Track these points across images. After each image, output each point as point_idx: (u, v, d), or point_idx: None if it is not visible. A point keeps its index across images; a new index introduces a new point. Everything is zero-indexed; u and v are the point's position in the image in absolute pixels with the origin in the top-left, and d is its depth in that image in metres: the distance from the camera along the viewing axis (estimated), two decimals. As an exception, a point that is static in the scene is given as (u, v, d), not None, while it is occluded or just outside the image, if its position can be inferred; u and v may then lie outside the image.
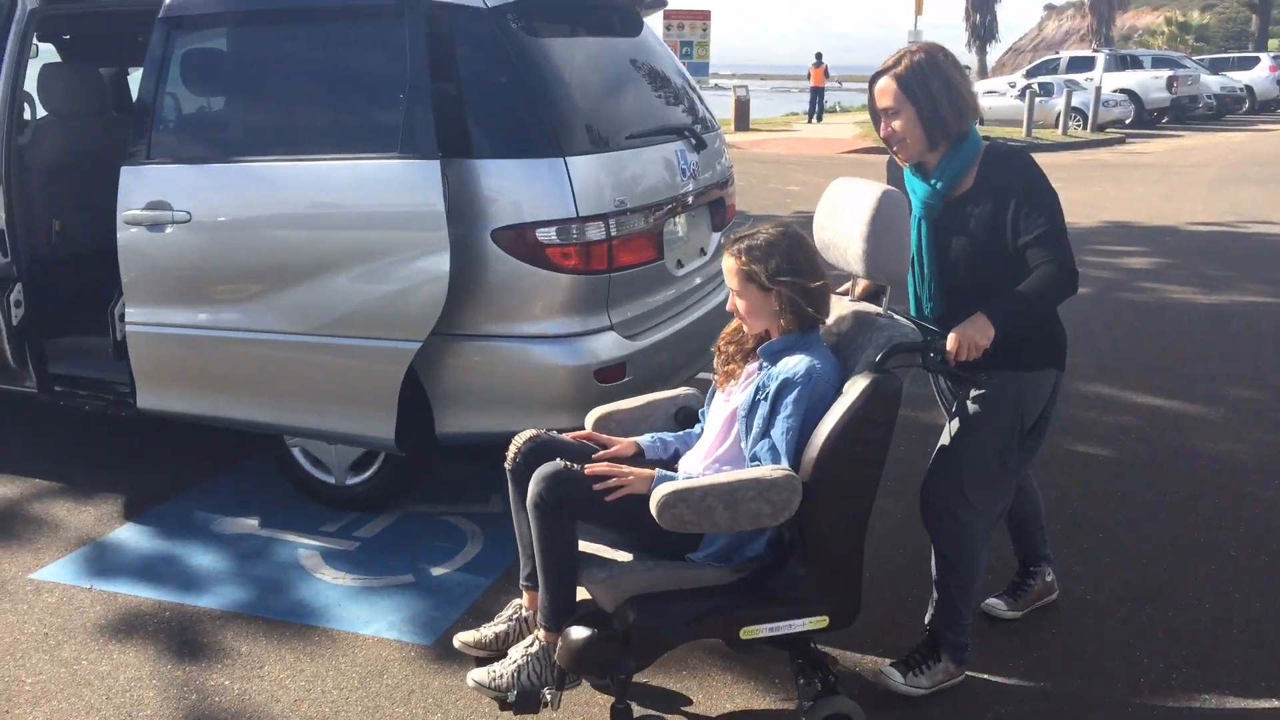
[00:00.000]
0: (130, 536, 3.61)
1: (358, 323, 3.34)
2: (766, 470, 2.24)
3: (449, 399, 3.44)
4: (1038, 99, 20.84)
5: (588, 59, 3.77)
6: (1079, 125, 21.47)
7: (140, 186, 3.59)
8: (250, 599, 3.20)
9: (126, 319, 3.69)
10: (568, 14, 3.80)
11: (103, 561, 3.43)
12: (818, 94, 28.54)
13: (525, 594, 2.63)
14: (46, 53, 4.95)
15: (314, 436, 3.69)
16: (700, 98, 4.42)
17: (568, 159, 3.26)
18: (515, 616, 2.71)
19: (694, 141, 3.99)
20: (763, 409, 2.31)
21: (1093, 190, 13.03)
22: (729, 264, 2.40)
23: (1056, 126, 20.91)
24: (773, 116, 30.61)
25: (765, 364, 2.38)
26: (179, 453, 4.31)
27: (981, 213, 2.52)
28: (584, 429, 2.72)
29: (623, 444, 2.61)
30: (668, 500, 2.18)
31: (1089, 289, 7.41)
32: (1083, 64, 25.32)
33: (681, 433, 2.69)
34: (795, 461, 2.27)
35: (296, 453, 3.81)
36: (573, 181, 3.25)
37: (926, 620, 2.81)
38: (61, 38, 5.09)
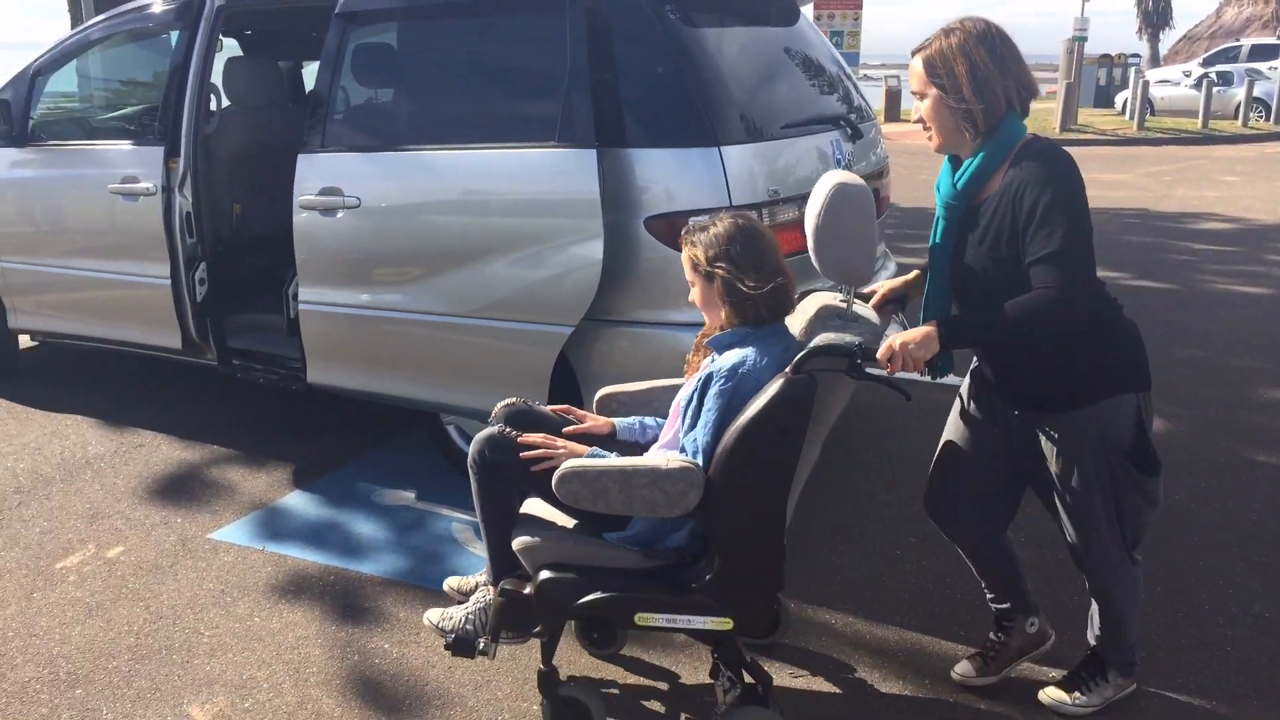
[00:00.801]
0: (299, 503, 3.83)
1: (513, 306, 3.44)
2: (663, 459, 2.22)
3: (598, 383, 3.50)
4: (1215, 88, 19.61)
5: (743, 48, 3.77)
6: (1261, 116, 20.08)
7: (314, 173, 3.78)
8: (407, 568, 3.35)
9: (299, 298, 3.91)
10: (725, 3, 3.80)
11: (274, 525, 3.64)
12: None
13: None
14: (229, 47, 5.29)
15: (468, 415, 3.82)
16: (856, 87, 4.35)
17: (722, 149, 3.26)
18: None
19: (849, 131, 3.93)
20: (695, 402, 2.29)
21: (1276, 185, 12.19)
22: (683, 251, 2.38)
23: (1236, 118, 19.65)
24: (924, 108, 29.70)
25: (715, 356, 2.36)
26: (344, 426, 4.54)
27: (1000, 220, 2.24)
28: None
29: (597, 422, 2.62)
30: (565, 475, 2.23)
31: (1269, 289, 6.93)
32: (1266, 52, 23.59)
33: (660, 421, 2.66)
34: (709, 456, 2.21)
35: (451, 429, 3.96)
36: (726, 171, 3.25)
37: (1091, 640, 2.65)
38: (244, 33, 5.41)
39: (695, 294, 2.40)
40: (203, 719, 2.60)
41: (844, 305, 2.44)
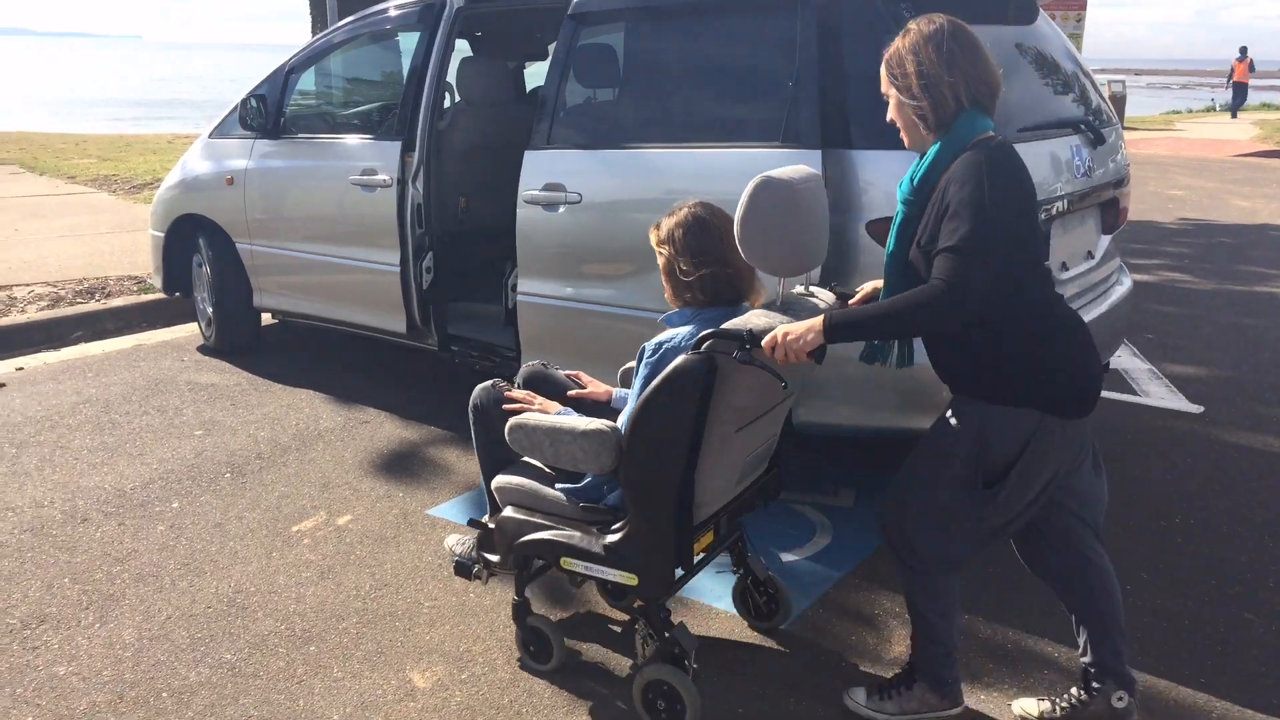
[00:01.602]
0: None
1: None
2: (584, 421, 2.48)
3: (808, 389, 3.45)
4: None
5: (978, 48, 3.63)
6: None
7: (539, 169, 3.92)
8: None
9: (518, 290, 4.06)
10: (961, 2, 3.67)
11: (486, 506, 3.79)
12: (1240, 90, 26.15)
13: None
14: (459, 48, 5.54)
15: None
16: (1098, 89, 4.11)
17: (953, 151, 3.15)
18: None
19: (1090, 136, 3.71)
20: (636, 372, 2.50)
21: None
22: (651, 237, 2.61)
23: None
24: (1148, 114, 27.88)
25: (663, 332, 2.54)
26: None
27: (931, 216, 2.21)
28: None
29: (598, 389, 2.91)
30: (511, 427, 2.55)
31: None
32: None
33: None
34: (628, 422, 2.39)
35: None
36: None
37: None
38: (474, 34, 5.66)
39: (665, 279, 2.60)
40: (423, 684, 2.73)
41: (798, 293, 2.59)
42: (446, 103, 5.13)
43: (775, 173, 2.42)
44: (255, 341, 5.69)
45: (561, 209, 3.83)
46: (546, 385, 2.87)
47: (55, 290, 6.56)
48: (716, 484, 2.50)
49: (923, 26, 2.26)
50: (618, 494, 2.53)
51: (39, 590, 3.15)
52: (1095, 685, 2.43)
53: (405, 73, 4.67)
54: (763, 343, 2.23)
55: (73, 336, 6.02)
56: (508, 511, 2.66)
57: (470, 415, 2.81)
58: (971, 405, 2.28)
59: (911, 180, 2.30)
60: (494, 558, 2.75)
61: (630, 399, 2.47)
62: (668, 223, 2.55)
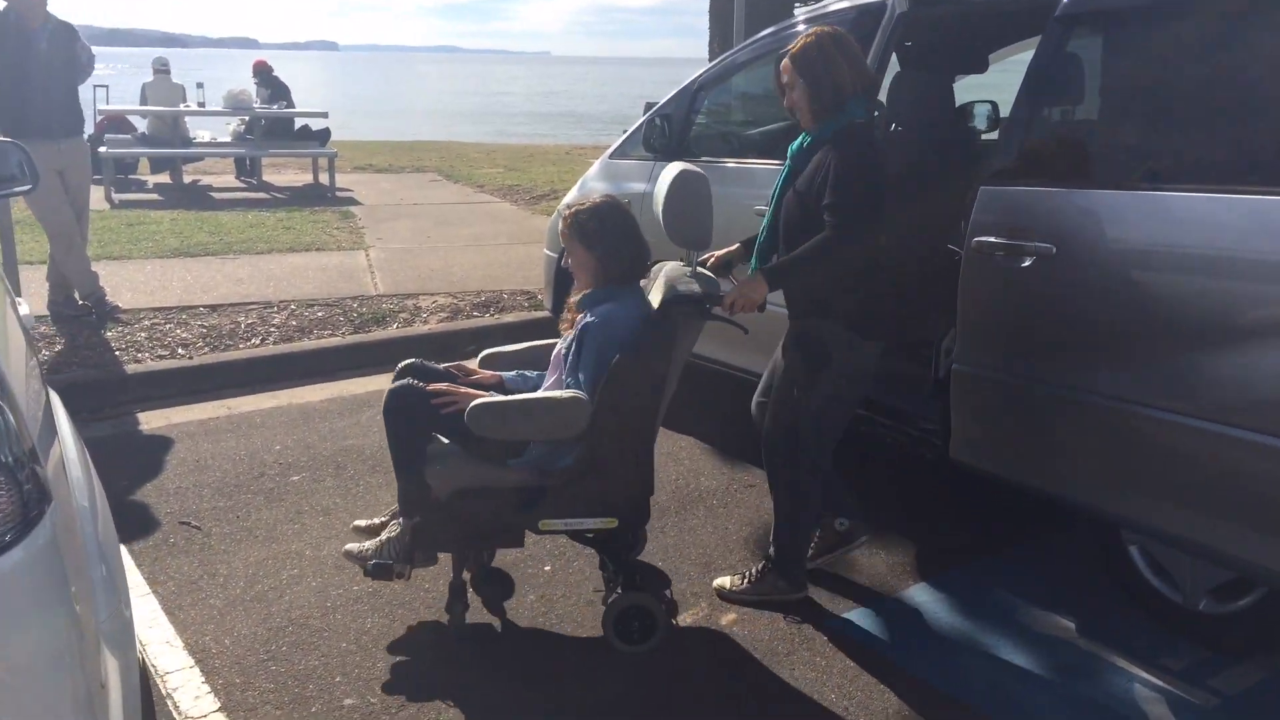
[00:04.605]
0: (926, 601, 3.20)
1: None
2: (558, 392, 2.78)
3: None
4: None
5: None
6: None
7: (999, 210, 3.11)
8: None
9: (955, 355, 3.28)
10: None
11: (898, 625, 3.06)
12: None
13: None
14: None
15: (1166, 541, 2.89)
16: None
17: None
18: (390, 518, 3.08)
19: None
20: (575, 348, 2.81)
21: None
22: (563, 228, 2.93)
23: None
24: None
25: (587, 313, 2.85)
26: (980, 506, 3.85)
27: (809, 173, 2.93)
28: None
29: (485, 375, 3.11)
30: (476, 411, 2.72)
31: None
32: None
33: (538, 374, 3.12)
34: (592, 389, 2.74)
35: (1133, 551, 3.05)
36: None
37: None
38: (903, 44, 4.92)
39: (571, 260, 2.95)
40: None
41: (688, 269, 2.98)
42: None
43: (682, 165, 3.00)
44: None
45: (1029, 261, 3.00)
46: (428, 375, 3.00)
47: (455, 301, 6.70)
48: (657, 424, 2.94)
49: (822, 34, 2.96)
50: (570, 457, 2.81)
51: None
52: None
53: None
54: (725, 302, 2.80)
55: (467, 350, 6.05)
56: (464, 498, 2.79)
57: (388, 418, 2.87)
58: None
59: (801, 142, 3.06)
60: (442, 549, 2.92)
61: (584, 369, 2.76)
62: (588, 215, 2.89)
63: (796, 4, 11.99)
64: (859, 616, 3.10)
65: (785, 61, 2.97)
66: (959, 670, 2.84)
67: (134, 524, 3.62)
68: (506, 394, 2.96)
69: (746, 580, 3.20)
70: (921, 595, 3.24)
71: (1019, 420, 3.12)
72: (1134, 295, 2.78)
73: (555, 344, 3.23)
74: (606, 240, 2.88)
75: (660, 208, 2.92)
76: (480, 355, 3.25)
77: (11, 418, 1.26)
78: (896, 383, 3.91)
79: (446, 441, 2.88)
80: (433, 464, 2.81)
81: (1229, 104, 2.74)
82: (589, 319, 2.81)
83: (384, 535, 2.94)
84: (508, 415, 2.75)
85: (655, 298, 2.91)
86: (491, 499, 2.83)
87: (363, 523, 3.19)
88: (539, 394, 2.84)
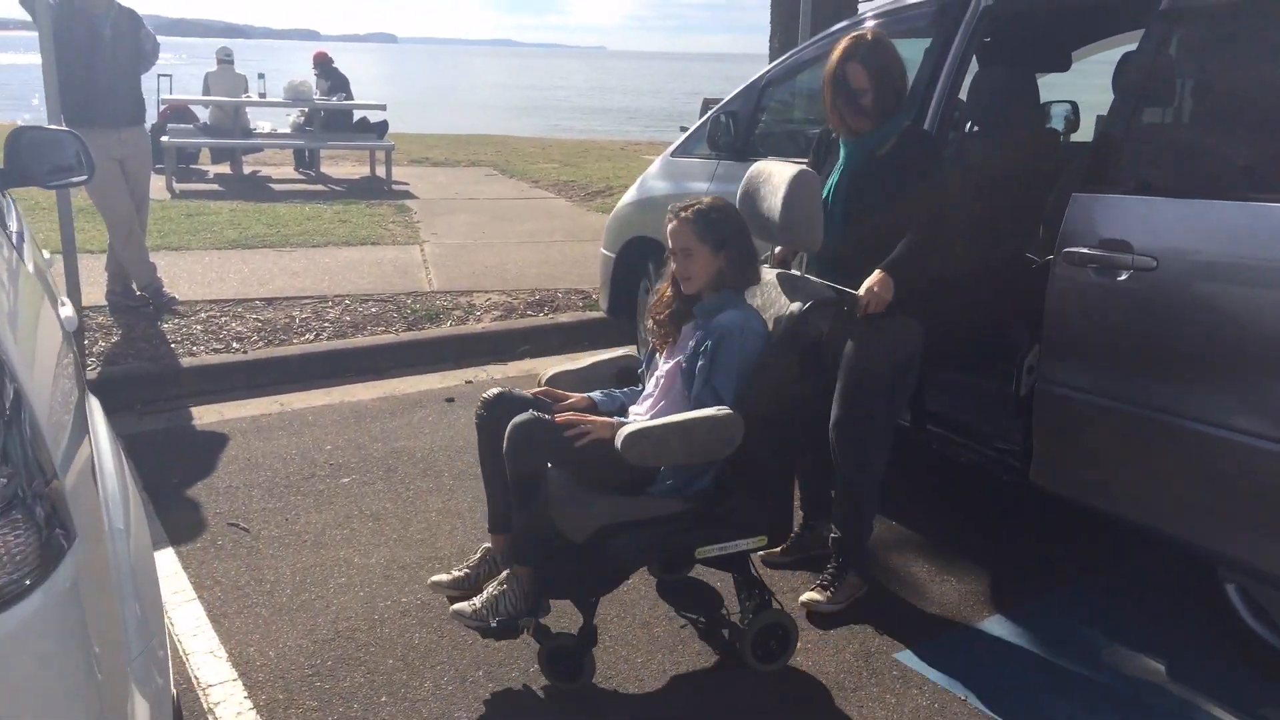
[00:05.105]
0: (1003, 634, 3.02)
1: None
2: (714, 410, 2.56)
3: None
4: None
5: None
6: None
7: (1094, 219, 2.91)
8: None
9: (1041, 374, 3.08)
10: None
11: (973, 662, 2.87)
12: None
13: (492, 538, 2.90)
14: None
15: (1268, 582, 2.68)
16: None
17: None
18: (484, 559, 2.89)
19: None
20: (704, 360, 2.64)
21: None
22: (683, 228, 2.72)
23: None
24: None
25: (701, 322, 2.74)
26: (1061, 530, 3.64)
27: (889, 175, 2.96)
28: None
29: (578, 398, 2.90)
30: (632, 438, 2.49)
31: None
32: None
33: (626, 389, 2.98)
34: (735, 402, 2.59)
35: (1231, 590, 2.84)
36: None
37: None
38: (983, 39, 4.70)
39: (691, 265, 2.73)
40: None
41: (798, 274, 2.99)
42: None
43: (786, 164, 2.86)
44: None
45: (1125, 275, 2.80)
46: (519, 404, 2.77)
47: (509, 299, 6.59)
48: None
49: (869, 38, 3.05)
50: (707, 478, 2.67)
51: None
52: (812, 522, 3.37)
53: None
54: (862, 301, 2.79)
55: (520, 350, 5.95)
56: (605, 536, 2.57)
57: (510, 458, 2.55)
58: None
59: (866, 147, 3.04)
60: (586, 594, 2.67)
61: (722, 382, 2.61)
62: (718, 216, 2.72)
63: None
64: (930, 650, 2.92)
65: (856, 65, 2.97)
66: (1038, 713, 2.64)
67: (183, 524, 3.56)
68: (603, 415, 2.76)
69: (829, 589, 3.11)
70: (997, 628, 3.05)
71: (1107, 445, 2.92)
72: (1242, 316, 2.57)
73: (619, 358, 3.13)
74: (739, 241, 2.75)
75: (773, 208, 2.80)
76: (547, 377, 3.02)
77: (31, 447, 1.15)
78: (976, 399, 3.72)
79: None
80: (563, 505, 2.57)
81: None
82: (722, 326, 2.65)
83: (491, 590, 2.64)
84: (668, 439, 2.52)
85: (778, 302, 2.77)
86: (639, 534, 2.61)
87: (444, 578, 2.89)
88: (694, 414, 2.57)
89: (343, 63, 13.37)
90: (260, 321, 5.74)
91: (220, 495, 3.81)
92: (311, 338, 5.59)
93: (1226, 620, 2.84)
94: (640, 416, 2.77)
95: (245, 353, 5.30)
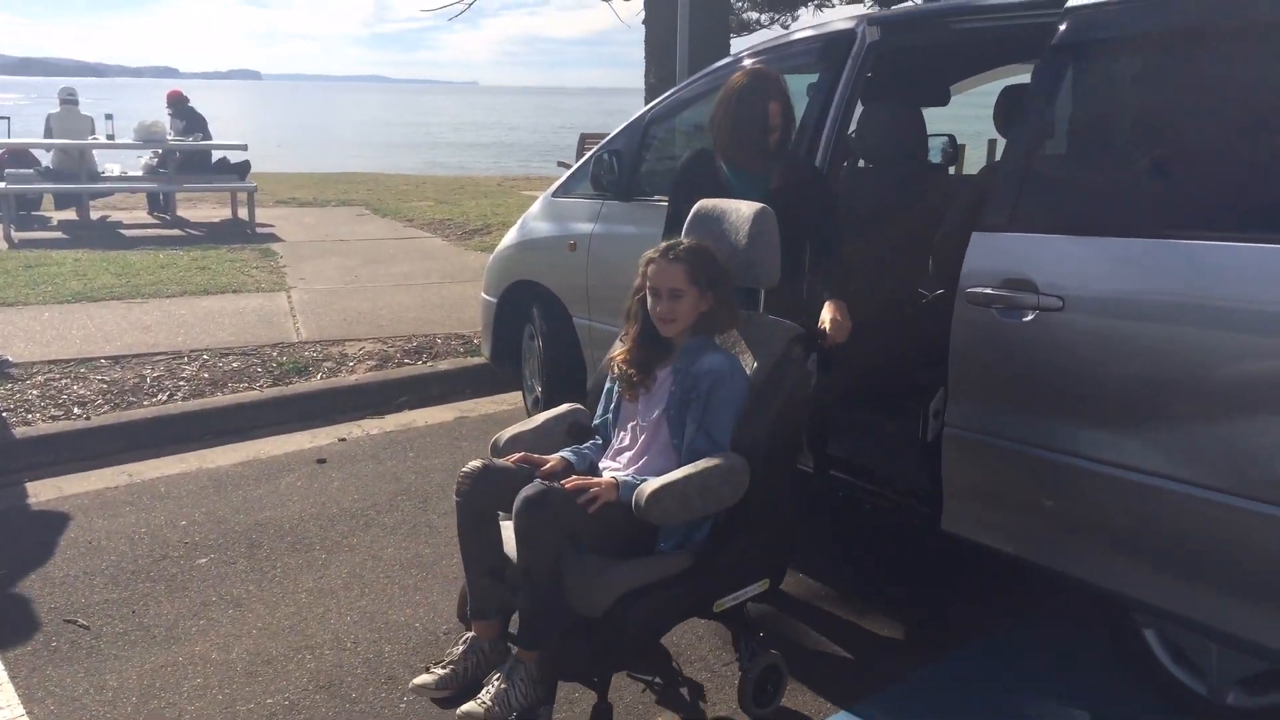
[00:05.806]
0: (929, 693, 2.86)
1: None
2: (721, 459, 2.48)
3: None
4: None
5: None
6: None
7: (995, 258, 2.82)
8: None
9: (947, 418, 2.97)
10: None
11: (887, 717, 2.72)
12: None
13: (476, 626, 2.69)
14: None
15: (1186, 626, 2.60)
16: None
17: None
18: (470, 649, 2.68)
19: None
20: (695, 407, 2.55)
21: None
22: (673, 269, 2.61)
23: None
24: None
25: (680, 366, 2.63)
26: (976, 580, 3.53)
27: (788, 200, 2.96)
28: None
29: (554, 460, 2.71)
30: (655, 496, 2.36)
31: None
32: None
33: (589, 445, 2.82)
34: (730, 447, 2.53)
35: (1150, 636, 2.75)
36: None
37: None
38: (865, 75, 4.66)
39: (677, 306, 2.62)
40: None
41: (756, 313, 2.87)
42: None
43: (741, 202, 2.82)
44: (584, 427, 4.96)
45: (1031, 315, 2.70)
46: (505, 477, 2.58)
47: (385, 347, 6.23)
48: None
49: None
50: (705, 528, 2.55)
51: (329, 793, 2.44)
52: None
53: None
54: (830, 334, 2.77)
55: (398, 402, 5.61)
56: (628, 602, 2.37)
57: (526, 535, 2.37)
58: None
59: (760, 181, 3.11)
60: (622, 662, 2.59)
61: (716, 427, 2.53)
62: (707, 258, 2.65)
63: (733, 35, 11.83)
64: (866, 711, 2.74)
65: (775, 104, 3.04)
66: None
67: (12, 624, 3.12)
68: (577, 475, 2.61)
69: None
70: (916, 682, 2.89)
71: (1023, 490, 2.82)
72: (1149, 355, 2.50)
73: (567, 413, 2.92)
74: (726, 283, 2.67)
75: (735, 245, 2.74)
76: (505, 438, 2.80)
77: None
78: (880, 443, 3.60)
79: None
80: (579, 576, 2.39)
81: (1261, 140, 2.48)
82: (713, 370, 2.56)
83: (496, 684, 2.45)
84: (689, 494, 2.41)
85: (748, 340, 2.74)
86: (659, 597, 2.44)
87: (428, 679, 2.65)
88: (704, 465, 2.46)
89: (204, 100, 12.75)
90: (106, 383, 5.24)
91: (56, 587, 3.37)
92: (164, 398, 5.12)
93: (1146, 666, 2.76)
94: (618, 470, 2.64)
95: (88, 418, 4.81)
